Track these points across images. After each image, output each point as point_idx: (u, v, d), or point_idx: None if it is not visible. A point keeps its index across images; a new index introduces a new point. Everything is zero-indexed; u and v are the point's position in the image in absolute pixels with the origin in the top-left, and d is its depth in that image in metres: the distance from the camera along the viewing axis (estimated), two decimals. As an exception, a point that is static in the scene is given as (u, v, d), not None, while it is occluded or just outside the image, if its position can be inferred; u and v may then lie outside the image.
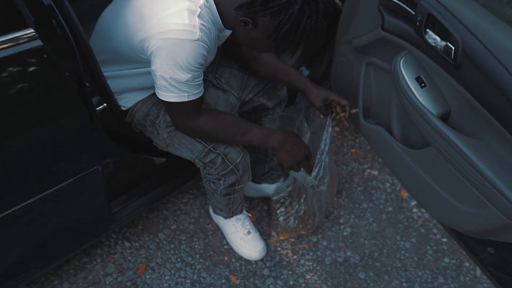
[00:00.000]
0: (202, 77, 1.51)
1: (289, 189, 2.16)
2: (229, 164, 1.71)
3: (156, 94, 1.51)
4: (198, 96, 1.51)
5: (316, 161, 1.97)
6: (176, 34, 1.39)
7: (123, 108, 1.72)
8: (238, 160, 1.72)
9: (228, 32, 1.64)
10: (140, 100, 1.70)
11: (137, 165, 1.95)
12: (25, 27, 1.20)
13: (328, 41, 2.22)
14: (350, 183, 2.44)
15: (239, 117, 1.69)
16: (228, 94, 1.81)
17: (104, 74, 1.60)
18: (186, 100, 1.49)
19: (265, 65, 1.81)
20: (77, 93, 1.38)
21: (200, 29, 1.40)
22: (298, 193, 2.15)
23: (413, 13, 1.59)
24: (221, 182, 1.77)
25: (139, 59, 1.49)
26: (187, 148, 1.70)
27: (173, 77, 1.43)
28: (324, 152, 1.96)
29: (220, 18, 1.49)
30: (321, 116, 1.92)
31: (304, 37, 1.44)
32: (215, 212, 2.12)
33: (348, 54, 1.95)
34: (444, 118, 1.64)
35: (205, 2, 1.45)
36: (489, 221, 1.53)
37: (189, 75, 1.43)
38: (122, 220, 1.90)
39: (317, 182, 2.01)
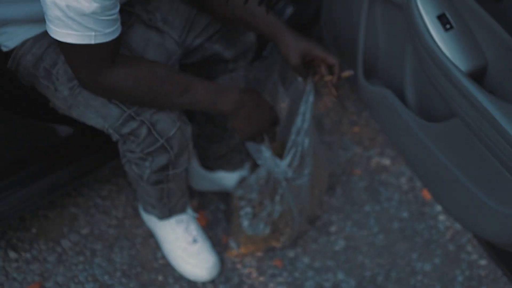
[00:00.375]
0: (117, 10, 1.46)
1: (262, 181, 2.14)
2: (158, 138, 1.68)
3: (48, 30, 1.46)
4: (111, 38, 1.47)
5: (291, 143, 1.95)
6: None
7: (4, 49, 1.68)
8: (171, 133, 1.69)
9: None
10: (29, 39, 1.66)
11: (26, 136, 1.92)
12: None
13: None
14: (348, 175, 2.42)
15: (175, 68, 1.65)
16: (164, 36, 1.78)
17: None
18: (92, 42, 1.44)
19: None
20: None
21: None
22: (273, 188, 2.14)
23: None
24: (147, 164, 1.74)
25: None
26: (97, 113, 1.67)
27: (72, 5, 1.37)
28: (302, 132, 1.93)
29: None
30: (299, 79, 1.89)
31: None
32: (146, 211, 2.10)
33: (345, -18, 1.94)
34: (478, 75, 1.62)
35: None
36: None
37: (96, 4, 1.38)
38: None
39: (291, 173, 1.99)
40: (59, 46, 1.50)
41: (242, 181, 2.20)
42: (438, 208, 2.36)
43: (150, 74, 1.60)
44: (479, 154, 1.58)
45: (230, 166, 2.23)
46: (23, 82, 1.74)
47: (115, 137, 1.71)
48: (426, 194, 2.39)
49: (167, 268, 2.14)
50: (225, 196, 2.29)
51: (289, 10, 2.29)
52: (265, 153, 1.93)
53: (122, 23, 1.65)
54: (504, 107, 1.51)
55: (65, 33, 1.43)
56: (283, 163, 1.96)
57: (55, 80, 1.67)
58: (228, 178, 2.24)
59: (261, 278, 2.17)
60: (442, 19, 1.61)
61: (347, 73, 1.82)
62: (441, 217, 2.34)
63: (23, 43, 1.66)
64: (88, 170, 2.05)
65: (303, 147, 1.96)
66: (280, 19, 1.79)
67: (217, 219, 2.28)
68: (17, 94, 1.78)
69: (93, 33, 1.44)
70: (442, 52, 1.59)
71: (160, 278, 2.13)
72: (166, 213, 2.03)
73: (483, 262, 2.26)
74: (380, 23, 1.89)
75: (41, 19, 1.53)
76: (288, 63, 1.80)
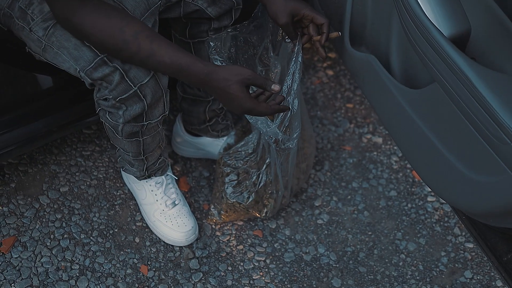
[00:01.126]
0: None
1: (249, 150, 2.15)
2: (131, 85, 1.67)
3: None
4: None
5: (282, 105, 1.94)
6: None
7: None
8: (145, 80, 1.68)
9: None
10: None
11: (5, 83, 1.93)
12: None
13: None
14: (338, 151, 2.42)
15: (145, 30, 1.60)
16: (144, -16, 1.78)
17: None
18: None
19: None
20: None
21: None
22: (260, 157, 2.14)
23: None
24: (121, 113, 1.73)
25: None
26: (69, 55, 1.66)
27: None
28: (292, 92, 1.93)
29: None
30: (287, 40, 1.88)
31: None
32: (124, 169, 2.11)
33: None
34: (461, 41, 1.61)
35: None
36: (507, 195, 1.50)
37: None
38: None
39: (281, 134, 1.98)
40: None
41: (228, 148, 2.20)
42: (428, 189, 2.35)
43: (117, 29, 1.58)
44: (457, 121, 1.57)
45: (216, 132, 2.23)
46: (0, 26, 1.75)
47: (87, 81, 1.69)
48: (416, 175, 2.38)
49: (145, 230, 2.15)
50: (209, 162, 2.30)
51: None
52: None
53: None
54: (484, 73, 1.50)
55: None
56: (274, 124, 1.96)
57: (30, 20, 1.67)
58: (213, 145, 2.24)
59: (240, 247, 2.17)
60: (428, -18, 1.61)
61: (334, 34, 1.81)
62: (430, 198, 2.33)
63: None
64: (66, 123, 2.05)
65: (293, 108, 1.96)
66: None
67: (199, 186, 2.29)
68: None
69: None
70: (425, 15, 1.58)
71: (136, 240, 2.14)
72: (144, 173, 2.03)
73: (469, 245, 2.25)
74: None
75: None
76: (276, 22, 1.79)
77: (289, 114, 1.97)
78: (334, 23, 1.99)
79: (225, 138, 2.25)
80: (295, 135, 2.01)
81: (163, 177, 2.09)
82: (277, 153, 2.06)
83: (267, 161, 2.11)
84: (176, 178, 2.18)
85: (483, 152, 1.54)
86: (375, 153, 2.43)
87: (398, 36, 1.82)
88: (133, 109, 1.72)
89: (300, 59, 1.86)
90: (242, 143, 2.14)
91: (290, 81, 1.91)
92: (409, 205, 2.32)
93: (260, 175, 2.13)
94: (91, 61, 1.64)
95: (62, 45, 1.66)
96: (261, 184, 2.14)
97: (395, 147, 2.43)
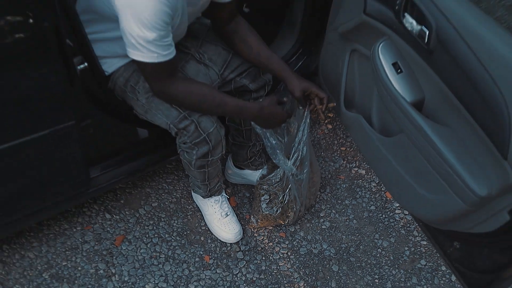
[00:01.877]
0: (170, 38, 1.49)
1: (277, 179, 2.15)
2: (202, 133, 1.69)
3: (127, 53, 1.50)
4: (168, 58, 1.50)
5: (294, 150, 1.95)
6: None
7: (106, 74, 1.72)
8: (210, 130, 1.70)
9: None
10: (122, 66, 1.70)
11: (119, 134, 1.94)
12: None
13: (321, 34, 2.23)
14: (335, 179, 2.40)
15: (215, 88, 1.69)
16: (209, 69, 1.81)
17: (89, 36, 1.63)
18: (156, 61, 1.48)
19: (249, 48, 1.79)
20: (55, 46, 1.40)
21: None
22: (285, 183, 2.14)
23: (394, -3, 1.59)
24: (194, 152, 1.76)
25: (115, 17, 1.51)
26: (163, 114, 1.69)
27: (140, 35, 1.42)
28: (302, 142, 1.94)
29: None
30: (300, 107, 1.90)
31: None
32: (194, 191, 2.11)
33: (334, 41, 1.95)
34: (418, 105, 1.61)
35: None
36: (450, 208, 1.49)
37: (155, 34, 1.42)
38: (100, 187, 1.90)
39: (294, 170, 2.00)
40: (136, 64, 1.53)
41: (262, 177, 2.19)
42: (396, 204, 2.33)
43: (198, 88, 1.64)
44: (416, 157, 1.58)
45: (254, 167, 2.23)
46: (117, 96, 1.79)
47: (173, 131, 1.72)
48: (388, 195, 2.36)
49: (207, 232, 2.15)
50: (249, 187, 2.30)
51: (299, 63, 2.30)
52: (279, 154, 1.96)
53: (181, 59, 1.71)
54: (428, 122, 1.51)
55: (138, 54, 1.48)
56: (289, 162, 1.98)
57: (137, 93, 1.71)
58: (252, 175, 2.24)
59: (270, 244, 2.16)
60: (396, 66, 1.61)
61: (331, 104, 1.85)
62: (398, 211, 2.31)
63: (117, 70, 1.72)
64: (156, 161, 2.06)
65: (302, 153, 1.97)
66: (288, 65, 1.81)
67: (243, 202, 2.28)
68: (114, 104, 1.82)
69: (155, 54, 1.48)
70: (395, 88, 1.59)
71: (202, 238, 2.13)
72: (207, 193, 2.04)
73: (424, 242, 2.22)
74: (357, 69, 1.89)
75: (125, 54, 1.59)
76: (292, 95, 1.82)
77: (299, 157, 1.98)
78: (333, 93, 2.00)
79: (260, 170, 2.24)
80: (305, 171, 2.02)
81: (219, 196, 2.09)
82: (294, 182, 2.07)
83: (289, 186, 2.10)
84: (228, 197, 2.18)
85: (433, 178, 1.55)
86: (360, 180, 2.41)
87: (377, 101, 1.83)
88: (203, 150, 1.74)
89: (308, 120, 1.88)
90: (272, 174, 2.13)
91: (301, 135, 1.92)
92: (384, 216, 2.29)
93: (285, 196, 2.12)
94: (177, 117, 1.68)
95: (158, 108, 1.70)
96: (285, 202, 2.13)
97: (374, 176, 2.41)
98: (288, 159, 2.00)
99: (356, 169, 2.45)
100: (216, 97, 1.65)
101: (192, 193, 2.17)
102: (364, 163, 2.46)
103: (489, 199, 1.41)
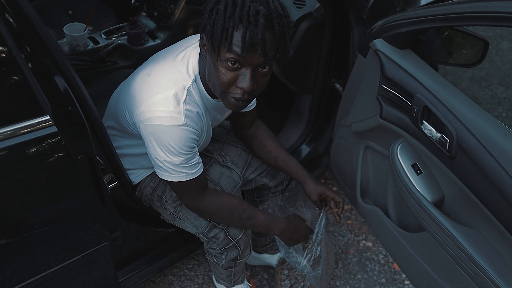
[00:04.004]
0: (197, 158, 1.39)
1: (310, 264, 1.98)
2: (231, 240, 1.58)
3: (157, 173, 1.40)
4: (196, 175, 1.39)
5: (307, 251, 1.80)
6: (162, 121, 1.27)
7: (133, 183, 1.60)
8: (240, 236, 1.59)
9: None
10: (148, 176, 1.59)
11: (144, 236, 1.80)
12: (42, 114, 1.11)
13: (328, 120, 2.14)
14: (346, 253, 2.28)
15: (245, 201, 1.56)
16: (232, 171, 1.70)
17: (117, 151, 1.51)
18: (185, 179, 1.38)
19: (267, 152, 1.68)
20: (87, 177, 1.27)
21: (185, 115, 1.28)
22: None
23: (410, 104, 1.51)
24: (223, 257, 1.63)
25: (140, 136, 1.39)
26: (191, 223, 1.58)
27: (167, 160, 1.32)
28: (316, 244, 1.80)
29: (209, 90, 1.35)
30: (316, 208, 1.78)
31: (228, 10, 1.13)
32: (217, 281, 1.95)
33: (347, 137, 1.86)
34: (438, 204, 1.52)
35: (193, 83, 1.32)
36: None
37: (182, 158, 1.32)
38: (129, 288, 1.75)
39: (309, 268, 1.85)
40: (167, 183, 1.42)
41: (282, 261, 2.04)
42: (404, 275, 2.21)
43: (229, 203, 1.52)
44: (443, 257, 1.47)
45: (271, 251, 2.09)
46: (144, 204, 1.66)
47: (202, 239, 1.61)
48: (396, 266, 2.24)
49: (231, 318, 1.99)
50: (267, 268, 2.15)
51: (308, 149, 2.20)
52: (293, 255, 1.82)
53: (205, 163, 1.59)
54: (457, 226, 1.41)
55: (167, 175, 1.37)
56: (303, 261, 1.82)
57: (165, 202, 1.59)
58: (270, 258, 2.11)
59: (292, 326, 2.01)
60: (415, 167, 1.53)
61: (347, 207, 1.74)
62: (406, 282, 2.18)
63: (144, 180, 1.60)
64: (181, 256, 1.92)
65: (316, 253, 1.82)
66: (304, 169, 1.68)
67: (262, 284, 2.13)
68: (141, 211, 1.68)
69: (184, 174, 1.37)
70: (415, 188, 1.50)
71: (226, 325, 1.98)
72: (231, 284, 1.88)
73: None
74: (371, 163, 1.80)
75: (151, 166, 1.46)
76: (309, 198, 1.70)
77: (313, 257, 1.83)
78: (347, 183, 1.90)
79: (278, 254, 2.10)
80: (319, 268, 1.87)
81: (242, 284, 1.94)
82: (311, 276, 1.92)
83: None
84: (250, 286, 2.04)
85: (466, 281, 1.42)
86: (368, 253, 2.29)
87: (393, 195, 1.73)
88: (232, 254, 1.62)
89: (323, 222, 1.74)
90: (294, 260, 1.94)
91: (315, 236, 1.78)
92: (395, 288, 2.18)
93: (306, 281, 1.98)
94: (206, 227, 1.55)
95: (186, 217, 1.57)
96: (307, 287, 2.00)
97: (380, 248, 2.30)
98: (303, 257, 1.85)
99: (363, 242, 2.33)
100: (247, 210, 1.53)
101: (215, 281, 2.02)
102: (370, 235, 2.35)
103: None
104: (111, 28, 2.24)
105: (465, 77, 3.20)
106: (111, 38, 2.20)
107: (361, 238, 2.35)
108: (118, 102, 1.44)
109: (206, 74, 1.29)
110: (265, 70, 1.21)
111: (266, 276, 2.15)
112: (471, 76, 3.21)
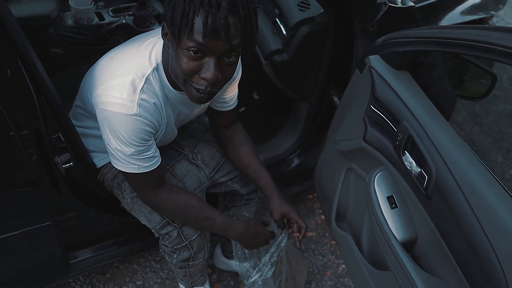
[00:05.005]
0: (152, 152, 1.28)
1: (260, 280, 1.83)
2: (184, 240, 1.47)
3: (111, 162, 1.30)
4: (150, 169, 1.28)
5: (257, 269, 1.65)
6: (115, 107, 1.17)
7: (97, 166, 1.51)
8: (193, 237, 1.48)
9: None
10: (109, 161, 1.49)
11: (102, 222, 1.71)
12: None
13: (324, 133, 2.00)
14: (322, 275, 2.13)
15: (204, 202, 1.45)
16: (200, 170, 1.58)
17: (83, 130, 1.43)
18: (137, 172, 1.27)
19: (239, 159, 1.55)
20: (31, 154, 1.19)
21: (139, 105, 1.18)
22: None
23: (395, 130, 1.35)
24: (175, 256, 1.53)
25: None
26: (145, 217, 1.48)
27: (118, 148, 1.22)
28: (269, 264, 1.63)
29: (172, 81, 1.23)
30: (277, 228, 1.63)
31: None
32: (178, 280, 1.86)
33: (332, 154, 1.71)
34: (410, 244, 1.36)
35: (154, 72, 1.21)
36: None
37: (133, 149, 1.22)
38: (79, 272, 1.67)
39: (257, 286, 1.71)
40: (121, 173, 1.33)
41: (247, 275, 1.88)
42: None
43: (185, 201, 1.40)
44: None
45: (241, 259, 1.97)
46: (106, 189, 1.57)
47: (155, 234, 1.51)
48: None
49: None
50: (235, 275, 2.04)
51: (297, 161, 2.06)
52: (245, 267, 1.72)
53: (173, 158, 1.50)
54: (421, 273, 1.26)
55: (119, 164, 1.27)
56: (251, 278, 1.67)
57: (123, 191, 1.49)
58: (239, 266, 1.96)
59: None
60: (391, 199, 1.37)
61: (310, 233, 1.60)
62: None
63: (107, 165, 1.50)
64: (136, 250, 1.81)
65: (267, 274, 1.67)
66: (274, 184, 1.54)
67: (227, 290, 2.03)
68: (102, 197, 1.59)
69: (136, 166, 1.27)
70: (386, 223, 1.35)
71: (180, 326, 1.88)
72: (189, 285, 1.77)
73: None
74: (352, 187, 1.65)
75: None
76: (272, 217, 1.55)
77: (262, 277, 1.67)
78: (325, 203, 1.76)
79: (247, 262, 1.95)
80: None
81: (202, 287, 1.84)
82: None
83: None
84: (213, 283, 1.93)
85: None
86: (346, 279, 2.14)
87: (367, 225, 1.58)
88: (184, 255, 1.52)
89: (283, 244, 1.59)
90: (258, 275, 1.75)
91: (268, 257, 1.64)
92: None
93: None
94: (159, 222, 1.45)
95: (141, 210, 1.48)
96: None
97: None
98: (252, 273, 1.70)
99: (343, 265, 2.18)
100: (204, 211, 1.42)
101: (178, 280, 1.92)
102: (353, 260, 2.19)
103: None
104: (120, 6, 2.16)
105: (494, 110, 2.97)
106: (119, 16, 2.13)
107: (341, 261, 2.19)
108: (84, 83, 1.36)
109: (169, 64, 1.19)
110: (230, 59, 1.09)
111: (232, 283, 2.03)
112: (501, 110, 2.97)
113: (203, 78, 1.10)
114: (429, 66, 1.42)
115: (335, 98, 1.82)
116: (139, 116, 1.19)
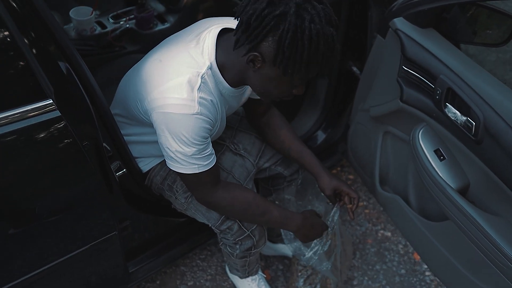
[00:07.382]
0: (210, 149, 1.33)
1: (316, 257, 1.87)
2: (246, 230, 1.54)
3: (167, 165, 1.35)
4: (209, 167, 1.34)
5: (313, 243, 1.72)
6: (175, 109, 1.22)
7: (143, 171, 1.56)
8: (254, 226, 1.55)
9: (246, 93, 1.47)
10: (158, 164, 1.55)
11: (154, 226, 1.77)
12: (44, 98, 1.07)
13: (345, 105, 2.08)
14: (363, 243, 2.23)
15: (259, 196, 1.51)
16: (245, 159, 1.65)
17: (125, 138, 1.47)
18: (197, 171, 1.32)
19: (281, 142, 1.63)
20: (94, 165, 1.23)
21: (199, 103, 1.23)
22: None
23: (433, 86, 1.44)
24: (238, 247, 1.59)
25: (151, 124, 1.34)
26: (203, 215, 1.53)
27: (178, 150, 1.27)
28: (324, 238, 1.70)
29: (229, 79, 1.30)
30: (329, 203, 1.71)
31: (313, 46, 1.13)
32: (231, 272, 1.93)
33: (365, 122, 1.79)
34: (463, 191, 1.45)
35: (208, 70, 1.27)
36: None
37: (194, 149, 1.27)
38: (139, 280, 1.72)
39: (315, 261, 1.78)
40: (178, 175, 1.37)
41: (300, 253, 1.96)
42: (425, 266, 2.15)
43: (242, 198, 1.46)
44: (468, 246, 1.40)
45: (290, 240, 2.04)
46: (155, 193, 1.62)
47: (215, 231, 1.57)
48: (417, 256, 2.18)
49: (245, 309, 1.96)
50: (282, 259, 2.11)
51: (324, 135, 2.14)
52: (297, 247, 1.77)
53: (216, 151, 1.53)
54: (484, 215, 1.35)
55: (178, 166, 1.32)
56: (308, 253, 1.73)
57: (175, 192, 1.55)
58: (285, 248, 2.06)
59: (308, 318, 1.97)
60: (438, 152, 1.47)
61: (361, 203, 1.67)
62: (428, 273, 2.13)
63: (153, 168, 1.55)
64: (193, 246, 1.88)
65: (324, 248, 1.76)
66: (319, 161, 1.62)
67: (277, 276, 2.09)
68: (151, 201, 1.64)
69: (196, 166, 1.32)
70: (439, 175, 1.44)
71: (240, 316, 1.94)
72: (245, 274, 1.86)
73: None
74: (390, 150, 1.74)
75: (161, 154, 1.41)
76: (323, 192, 1.64)
77: (319, 251, 1.75)
78: (364, 170, 1.84)
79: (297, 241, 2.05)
80: (329, 261, 1.80)
81: (256, 275, 1.91)
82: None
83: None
84: (265, 276, 2.00)
85: (492, 271, 1.36)
86: (387, 243, 2.24)
87: (413, 182, 1.67)
88: (246, 244, 1.58)
89: (336, 218, 1.68)
90: (312, 253, 1.80)
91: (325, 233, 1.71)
92: (415, 279, 2.11)
93: (321, 275, 1.92)
94: (218, 219, 1.51)
95: (197, 209, 1.53)
96: (325, 279, 1.93)
97: (400, 238, 2.24)
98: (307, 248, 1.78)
99: (382, 231, 2.28)
100: (260, 206, 1.48)
101: (228, 272, 1.99)
102: (389, 225, 2.29)
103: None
104: (119, 12, 2.19)
105: (488, 61, 3.10)
106: (119, 22, 2.16)
107: (379, 227, 2.29)
108: (128, 89, 1.39)
109: (255, 80, 1.26)
110: None
111: (281, 267, 2.11)
112: (494, 59, 3.10)
113: (295, 94, 1.30)
114: (452, 20, 1.51)
115: (355, 68, 1.90)
116: (201, 115, 1.24)
